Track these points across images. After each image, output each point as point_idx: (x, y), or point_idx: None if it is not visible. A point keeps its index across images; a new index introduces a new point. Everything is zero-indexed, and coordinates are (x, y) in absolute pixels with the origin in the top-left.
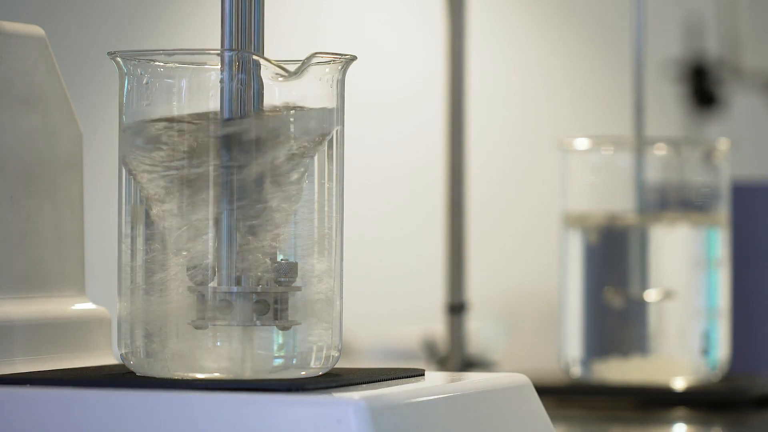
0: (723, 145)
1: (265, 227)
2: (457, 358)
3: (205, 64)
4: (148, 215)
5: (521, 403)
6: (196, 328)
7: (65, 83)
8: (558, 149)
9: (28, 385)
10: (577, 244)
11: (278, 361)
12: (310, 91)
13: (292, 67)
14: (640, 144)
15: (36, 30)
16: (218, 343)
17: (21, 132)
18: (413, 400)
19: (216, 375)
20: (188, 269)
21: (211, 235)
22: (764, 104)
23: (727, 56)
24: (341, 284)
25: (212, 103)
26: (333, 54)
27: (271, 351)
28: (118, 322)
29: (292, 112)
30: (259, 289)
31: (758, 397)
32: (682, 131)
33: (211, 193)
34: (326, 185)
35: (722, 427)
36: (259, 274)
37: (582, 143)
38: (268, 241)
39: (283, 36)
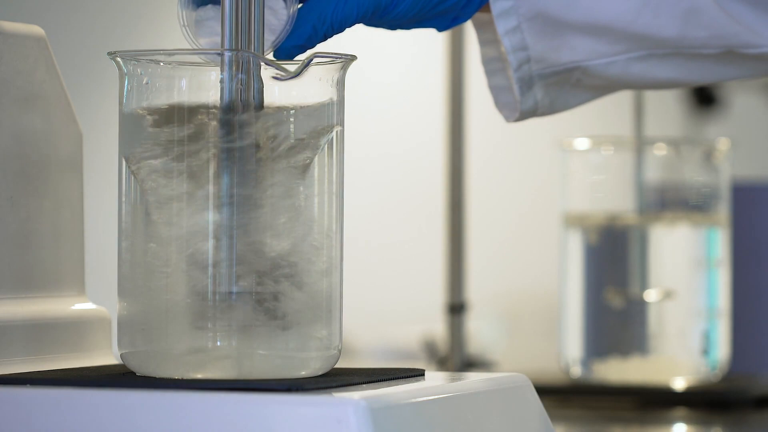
0: (723, 145)
1: (266, 227)
2: (457, 358)
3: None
4: (148, 215)
5: (521, 403)
6: (196, 328)
7: (65, 83)
8: (558, 149)
9: (28, 385)
10: (577, 244)
11: (278, 361)
12: (310, 91)
13: (292, 68)
14: (640, 144)
15: (36, 30)
16: (218, 343)
17: (21, 132)
18: (413, 400)
19: (216, 375)
20: (188, 269)
21: (211, 234)
22: (764, 104)
23: None
24: (341, 284)
25: (212, 103)
26: (333, 54)
27: (271, 351)
28: (118, 322)
29: (292, 111)
30: (259, 289)
31: (758, 397)
32: (682, 131)
33: (211, 192)
34: (326, 185)
35: (722, 427)
36: (259, 274)
37: (582, 143)
38: (269, 241)
39: None
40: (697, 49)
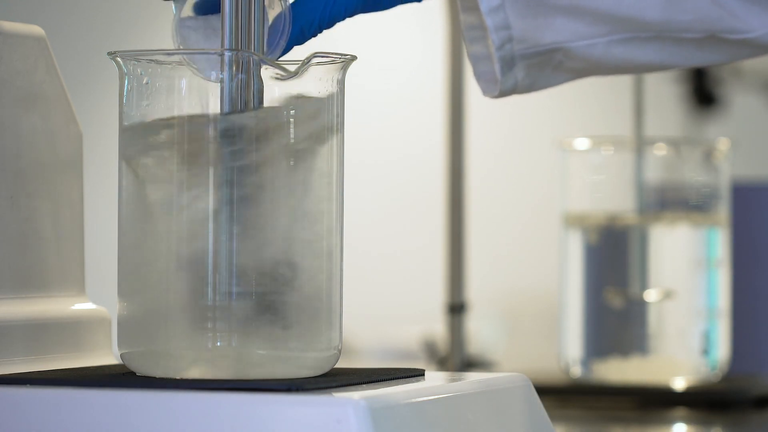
0: (723, 145)
1: (266, 227)
2: (457, 358)
3: None
4: (147, 215)
5: (521, 403)
6: (196, 328)
7: (65, 83)
8: (558, 149)
9: (28, 385)
10: (577, 244)
11: (278, 361)
12: (311, 91)
13: (292, 68)
14: (640, 144)
15: (36, 30)
16: (218, 343)
17: (21, 132)
18: (413, 400)
19: (216, 375)
20: (188, 269)
21: (211, 234)
22: (764, 104)
23: None
24: (341, 284)
25: (212, 103)
26: (333, 54)
27: (271, 351)
28: (118, 322)
29: (292, 111)
30: (259, 289)
31: (758, 397)
32: (682, 131)
33: (211, 192)
34: (326, 184)
35: (722, 427)
36: (259, 274)
37: (582, 143)
38: (269, 241)
39: None
40: (680, 33)
